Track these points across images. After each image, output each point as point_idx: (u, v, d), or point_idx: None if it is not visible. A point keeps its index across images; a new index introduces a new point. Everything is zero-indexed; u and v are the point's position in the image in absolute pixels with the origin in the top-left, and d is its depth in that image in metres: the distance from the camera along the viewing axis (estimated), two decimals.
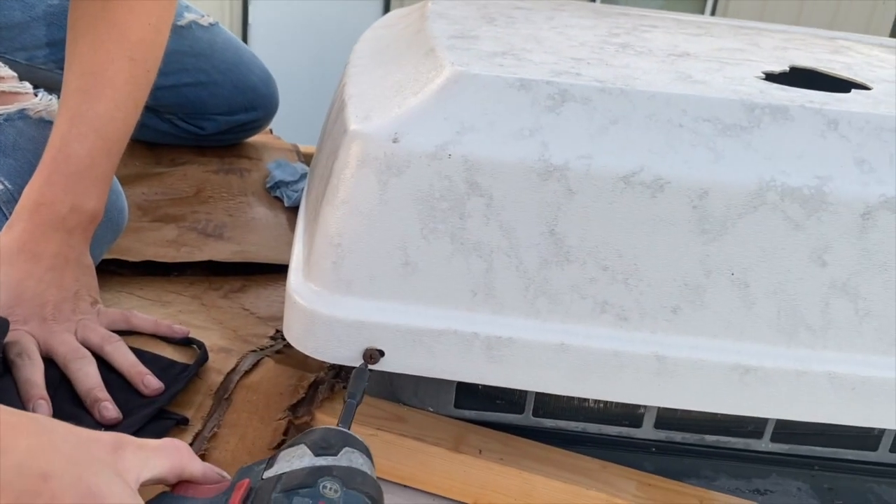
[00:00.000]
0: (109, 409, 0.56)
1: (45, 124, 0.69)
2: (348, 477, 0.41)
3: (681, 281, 0.52)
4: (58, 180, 0.62)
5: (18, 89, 0.70)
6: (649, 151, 0.52)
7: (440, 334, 0.53)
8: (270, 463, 0.43)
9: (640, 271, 0.52)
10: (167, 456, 0.41)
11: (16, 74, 0.72)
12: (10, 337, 0.56)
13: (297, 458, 0.42)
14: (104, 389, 0.57)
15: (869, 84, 0.65)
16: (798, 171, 0.52)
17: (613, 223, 0.51)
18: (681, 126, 0.53)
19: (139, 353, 0.61)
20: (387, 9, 5.52)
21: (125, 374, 0.59)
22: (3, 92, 0.69)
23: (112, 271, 0.78)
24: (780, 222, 0.51)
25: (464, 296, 0.53)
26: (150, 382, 0.59)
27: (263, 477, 0.42)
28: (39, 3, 0.97)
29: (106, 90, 0.65)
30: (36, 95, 0.71)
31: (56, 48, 0.97)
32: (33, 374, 0.56)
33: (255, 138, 1.16)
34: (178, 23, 1.04)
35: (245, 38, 5.43)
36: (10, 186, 0.65)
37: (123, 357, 0.60)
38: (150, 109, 1.06)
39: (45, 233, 0.61)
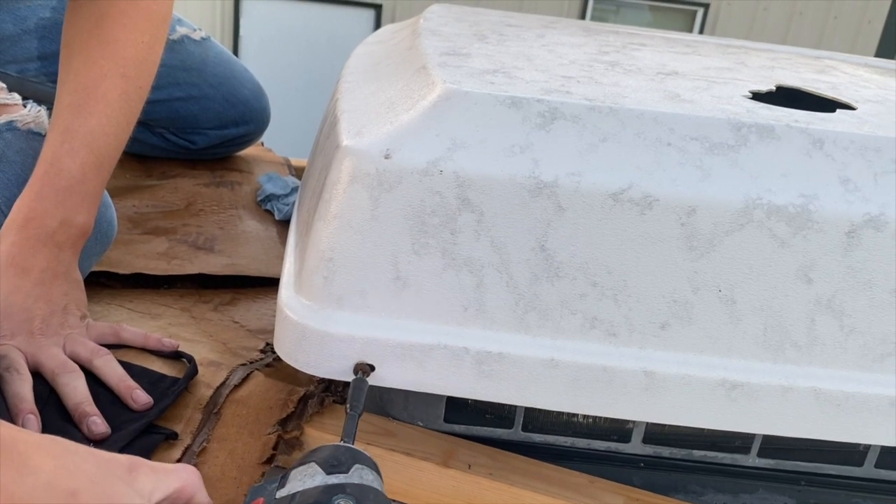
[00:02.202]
0: (98, 423, 0.56)
1: (33, 136, 0.69)
2: (361, 494, 0.41)
3: (669, 297, 0.53)
4: (48, 195, 0.62)
5: (7, 101, 0.70)
6: (638, 169, 0.52)
7: (431, 349, 0.53)
8: (282, 482, 0.43)
9: (629, 287, 0.53)
10: (178, 479, 0.42)
11: (4, 86, 0.72)
12: None
13: (308, 477, 0.43)
14: (92, 404, 0.57)
15: (854, 104, 0.66)
16: (784, 190, 0.52)
17: (603, 240, 0.52)
18: (669, 144, 0.53)
19: (128, 367, 0.61)
20: (378, 22, 5.55)
21: (114, 388, 0.59)
22: None
23: (102, 283, 0.78)
24: (766, 240, 0.52)
25: (455, 311, 0.53)
26: (138, 397, 0.59)
27: (277, 496, 0.42)
28: (31, 16, 0.97)
29: (98, 106, 0.65)
30: (25, 107, 0.71)
31: (47, 61, 0.97)
32: (22, 388, 0.56)
33: (247, 151, 1.16)
34: (171, 37, 1.04)
35: (236, 51, 5.44)
36: None
37: (112, 371, 0.60)
38: (141, 123, 1.06)
39: (34, 247, 0.61)
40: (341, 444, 0.46)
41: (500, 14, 1.00)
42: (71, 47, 0.67)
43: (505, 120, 0.54)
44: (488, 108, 0.54)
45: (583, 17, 5.96)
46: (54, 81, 0.99)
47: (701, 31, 6.03)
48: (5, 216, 0.63)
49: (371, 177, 0.52)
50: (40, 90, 0.95)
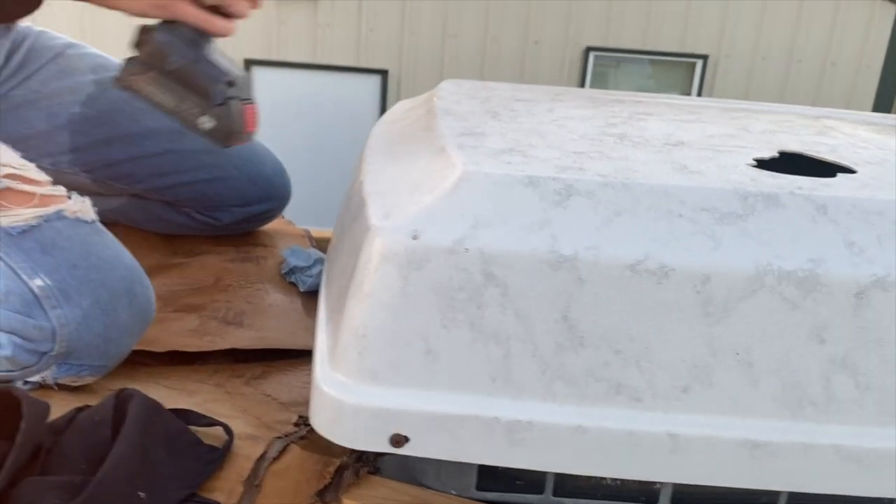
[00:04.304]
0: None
1: (81, 224, 0.74)
2: None
3: (689, 361, 0.55)
4: None
5: (54, 192, 0.75)
6: (653, 240, 0.55)
7: (463, 419, 0.56)
8: None
9: (650, 353, 0.55)
10: None
11: (51, 179, 0.77)
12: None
13: None
14: None
15: (854, 167, 0.69)
16: (792, 255, 0.55)
17: (623, 309, 0.55)
18: (680, 216, 0.57)
19: (183, 414, 0.64)
20: (384, 86, 5.69)
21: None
22: (41, 195, 0.73)
23: (139, 362, 0.81)
24: (778, 304, 0.55)
25: (484, 381, 0.56)
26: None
27: None
28: (62, 112, 1.02)
29: None
30: (70, 198, 0.76)
31: (79, 153, 1.02)
32: None
33: (269, 226, 1.20)
34: None
35: None
36: (49, 282, 0.70)
37: None
38: (166, 203, 1.11)
39: None
40: None
41: (509, 87, 1.05)
42: None
43: (523, 198, 0.57)
44: (507, 188, 0.58)
45: (584, 71, 6.08)
46: (88, 171, 1.04)
47: (701, 82, 6.14)
48: (58, 299, 0.68)
49: (400, 256, 0.56)
50: (74, 180, 1.00)
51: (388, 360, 0.56)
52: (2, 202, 0.71)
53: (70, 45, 1.07)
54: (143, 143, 1.06)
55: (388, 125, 0.92)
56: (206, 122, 0.64)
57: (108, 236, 0.78)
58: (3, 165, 0.73)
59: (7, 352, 0.71)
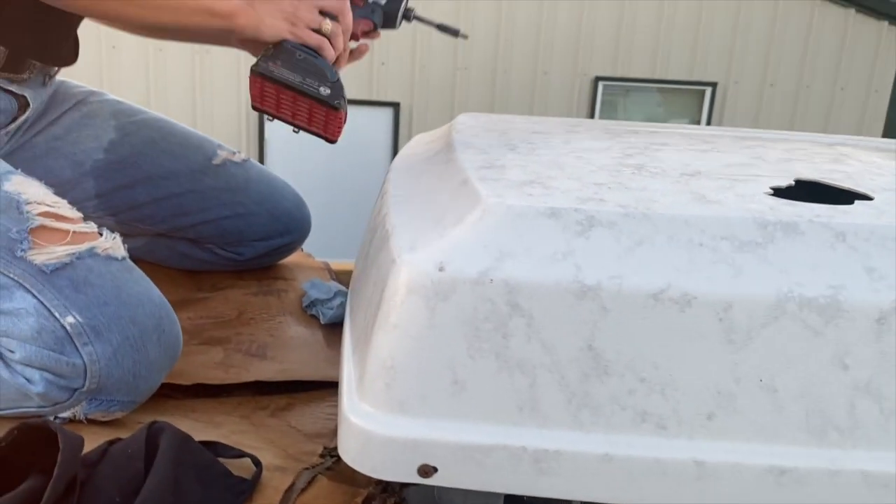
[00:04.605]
0: None
1: (112, 261, 0.76)
2: None
3: (714, 389, 0.56)
4: None
5: (86, 229, 0.77)
6: (674, 269, 0.56)
7: (490, 449, 0.56)
8: None
9: (675, 381, 0.56)
10: None
11: (81, 216, 0.79)
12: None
13: None
14: None
15: (870, 193, 0.70)
16: (812, 282, 0.56)
17: (647, 337, 0.56)
18: (701, 245, 0.58)
19: (212, 447, 0.65)
20: (396, 118, 5.75)
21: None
22: (74, 232, 0.75)
23: (166, 395, 0.82)
24: (800, 330, 0.55)
25: (511, 411, 0.57)
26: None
27: None
28: (87, 160, 1.05)
29: None
30: (101, 235, 0.78)
31: (104, 199, 1.05)
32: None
33: (289, 259, 1.22)
34: (213, 162, 1.12)
35: (262, 155, 5.64)
36: (80, 319, 0.71)
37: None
38: (190, 241, 1.13)
39: None
40: None
41: (525, 120, 1.07)
42: None
43: (546, 229, 0.59)
44: (530, 220, 0.59)
45: (594, 100, 6.12)
46: (113, 214, 1.06)
47: (710, 110, 6.17)
48: (89, 336, 0.71)
49: (427, 288, 0.57)
50: (99, 224, 1.02)
51: (415, 391, 0.57)
52: (36, 239, 0.73)
53: (91, 93, 1.10)
54: (165, 184, 1.08)
55: (408, 158, 0.94)
56: (324, 90, 0.89)
57: (138, 272, 0.79)
58: (38, 203, 0.75)
59: (39, 388, 0.73)
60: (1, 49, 0.88)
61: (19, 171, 0.81)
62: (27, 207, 0.75)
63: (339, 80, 0.91)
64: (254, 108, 0.90)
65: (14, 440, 0.61)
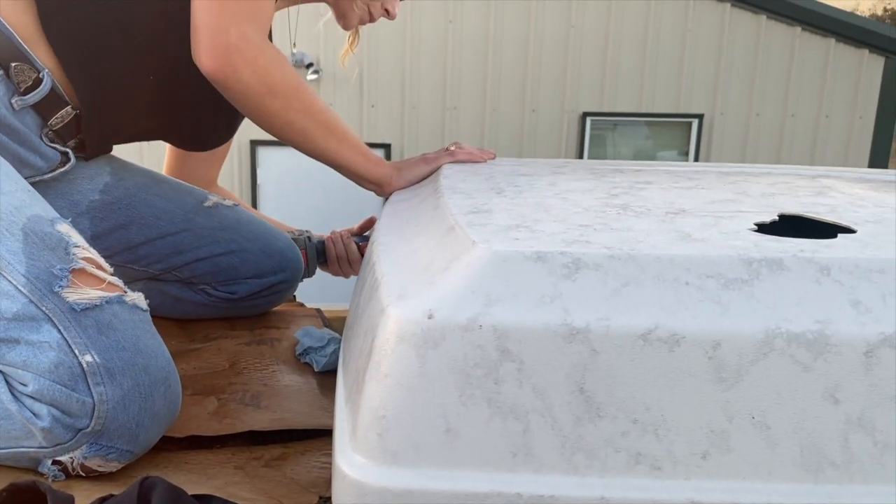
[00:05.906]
0: None
1: (136, 310, 0.80)
2: None
3: (706, 428, 0.56)
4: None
5: (115, 282, 0.81)
6: (661, 309, 0.57)
7: (485, 497, 0.56)
8: None
9: (667, 421, 0.56)
10: None
11: (111, 269, 0.82)
12: None
13: None
14: None
15: (853, 226, 0.71)
16: (799, 318, 0.56)
17: (637, 378, 0.56)
18: (687, 284, 0.58)
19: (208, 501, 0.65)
20: (387, 159, 5.79)
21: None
22: (108, 282, 0.80)
23: (159, 447, 0.81)
24: (789, 366, 0.55)
25: (504, 457, 0.56)
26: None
27: None
28: (83, 201, 1.06)
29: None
30: (125, 291, 0.81)
31: (99, 239, 1.06)
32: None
33: (281, 308, 1.22)
34: (205, 204, 1.14)
35: (254, 198, 5.66)
36: (98, 359, 0.74)
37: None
38: (183, 283, 1.14)
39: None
40: None
41: (510, 162, 1.08)
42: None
43: (533, 273, 0.59)
44: (517, 264, 0.59)
45: (582, 135, 6.19)
46: (108, 256, 1.08)
47: (698, 140, 6.24)
48: (103, 377, 0.74)
49: (416, 336, 0.57)
50: None
51: (408, 441, 0.57)
52: (74, 280, 0.77)
53: None
54: (159, 224, 1.10)
55: (396, 204, 0.94)
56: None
57: (153, 327, 0.82)
58: (82, 248, 0.80)
59: (45, 423, 0.74)
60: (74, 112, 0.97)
61: (69, 219, 0.86)
62: (74, 250, 0.80)
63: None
64: None
65: (3, 502, 0.61)
